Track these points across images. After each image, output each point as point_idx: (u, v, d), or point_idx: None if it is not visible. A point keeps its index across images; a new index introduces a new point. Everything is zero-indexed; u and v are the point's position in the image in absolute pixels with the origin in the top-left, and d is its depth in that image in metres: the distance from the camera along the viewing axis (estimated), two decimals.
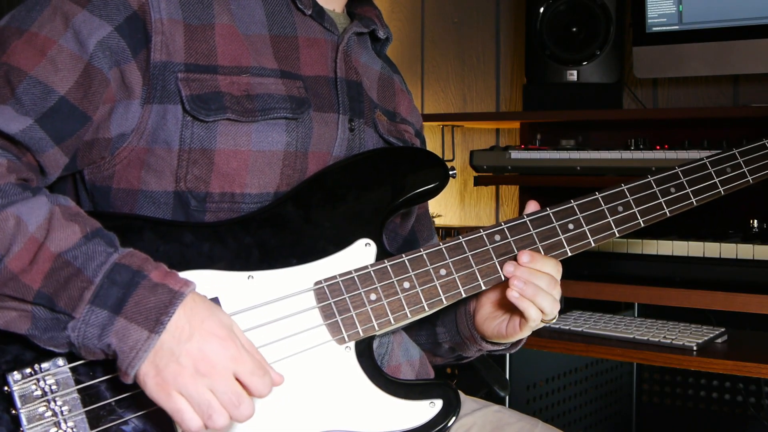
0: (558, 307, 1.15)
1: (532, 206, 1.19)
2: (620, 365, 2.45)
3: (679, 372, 2.42)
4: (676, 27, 2.22)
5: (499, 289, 1.20)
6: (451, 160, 2.66)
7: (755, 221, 2.04)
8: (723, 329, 1.94)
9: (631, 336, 1.89)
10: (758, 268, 1.80)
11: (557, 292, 1.15)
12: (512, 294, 1.12)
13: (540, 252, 1.16)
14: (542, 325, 1.17)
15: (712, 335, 1.88)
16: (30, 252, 0.93)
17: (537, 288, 1.12)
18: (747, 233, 2.02)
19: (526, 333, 1.18)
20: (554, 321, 1.17)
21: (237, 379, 0.95)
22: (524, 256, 1.14)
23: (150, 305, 0.93)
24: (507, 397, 1.93)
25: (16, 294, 0.93)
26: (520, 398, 2.07)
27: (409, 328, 1.34)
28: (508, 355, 2.02)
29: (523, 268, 1.13)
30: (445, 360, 1.36)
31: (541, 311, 1.13)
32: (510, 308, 1.18)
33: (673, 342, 1.84)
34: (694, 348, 1.81)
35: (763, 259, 1.80)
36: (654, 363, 1.87)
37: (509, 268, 1.14)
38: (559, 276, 1.16)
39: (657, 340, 1.86)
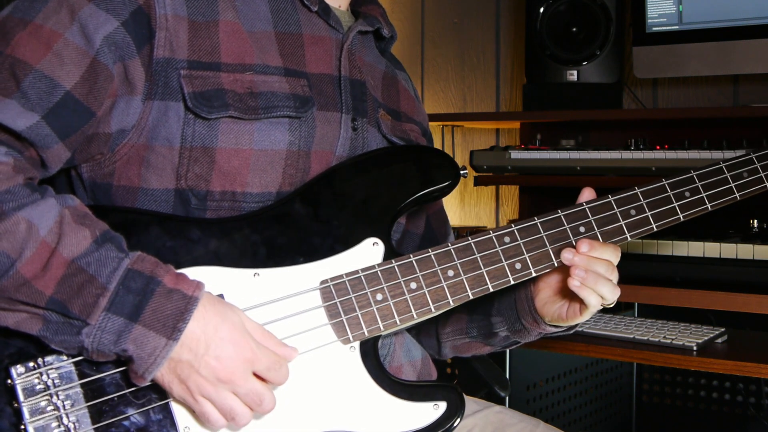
0: (618, 292, 1.14)
1: (587, 194, 1.19)
2: (620, 365, 2.45)
3: (679, 372, 2.42)
4: (676, 27, 2.22)
5: (557, 274, 1.19)
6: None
7: (755, 221, 2.04)
8: (723, 329, 1.94)
9: (631, 336, 1.89)
10: (758, 268, 1.80)
11: (615, 277, 1.15)
12: (573, 283, 1.12)
13: (551, 256, 1.15)
14: (600, 308, 1.17)
15: (712, 335, 1.88)
16: (42, 257, 0.93)
17: (597, 276, 1.12)
18: (747, 233, 2.02)
19: (586, 317, 1.18)
20: (613, 305, 1.17)
21: (256, 376, 1.00)
22: (584, 246, 1.13)
23: (167, 312, 0.95)
24: (507, 398, 1.93)
25: (28, 299, 0.93)
26: (520, 398, 2.07)
27: (456, 322, 1.33)
28: (508, 355, 2.02)
29: (581, 256, 1.13)
30: (495, 348, 1.34)
31: (602, 297, 1.13)
32: (568, 293, 1.17)
33: (673, 342, 1.84)
34: (694, 348, 1.81)
35: (763, 259, 1.81)
36: (654, 363, 1.87)
37: (567, 255, 1.13)
38: (617, 261, 1.15)
39: (657, 340, 1.86)
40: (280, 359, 1.01)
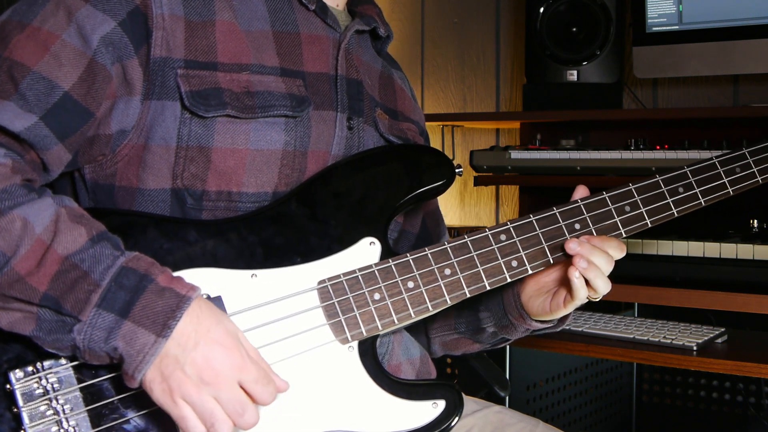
0: (610, 287, 1.15)
1: (581, 191, 1.20)
2: (620, 365, 2.45)
3: (679, 372, 2.42)
4: (676, 27, 2.22)
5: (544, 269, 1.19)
6: (451, 160, 2.66)
7: (755, 221, 2.04)
8: (723, 329, 1.94)
9: (631, 336, 1.89)
10: (758, 268, 1.80)
11: (610, 271, 1.15)
12: (574, 274, 1.12)
13: (547, 253, 1.16)
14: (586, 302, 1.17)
15: (712, 335, 1.88)
16: (37, 254, 0.93)
17: (597, 268, 1.13)
18: (747, 233, 2.01)
19: (569, 310, 1.18)
20: (598, 300, 1.18)
21: (242, 387, 0.96)
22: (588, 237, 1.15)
23: (157, 309, 0.94)
24: (507, 398, 1.93)
25: (22, 296, 0.93)
26: (520, 398, 2.07)
27: (446, 318, 1.33)
28: (508, 355, 2.02)
29: (585, 245, 1.13)
30: (484, 345, 1.34)
31: (595, 291, 1.14)
32: (553, 287, 1.19)
33: (673, 342, 1.84)
34: (694, 348, 1.81)
35: (763, 259, 1.80)
36: (654, 363, 1.87)
37: (572, 245, 1.14)
38: (620, 256, 1.16)
39: (657, 340, 1.86)
40: (269, 376, 0.98)
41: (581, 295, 1.14)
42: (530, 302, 1.22)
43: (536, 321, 1.24)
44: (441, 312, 1.32)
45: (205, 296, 1.03)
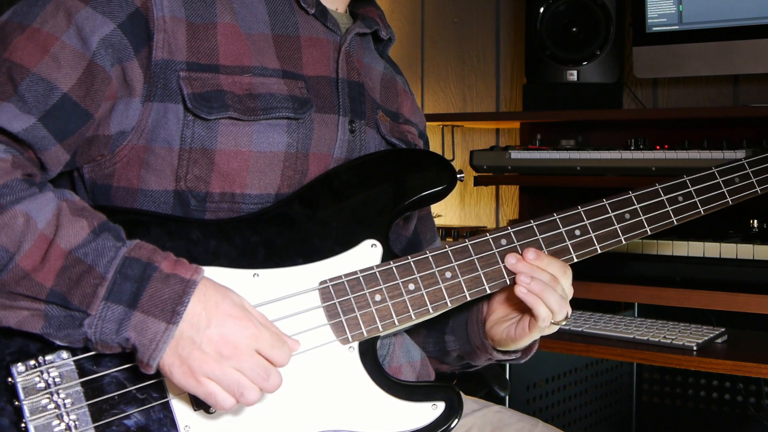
0: (566, 306, 1.14)
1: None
2: (620, 365, 2.45)
3: (679, 372, 2.42)
4: (676, 27, 2.23)
5: (507, 292, 1.19)
6: (452, 160, 2.66)
7: (755, 221, 2.04)
8: (723, 329, 1.94)
9: (631, 336, 1.89)
10: (758, 268, 1.80)
11: (563, 289, 1.14)
12: (519, 290, 1.12)
13: None
14: (554, 328, 1.16)
15: (712, 335, 1.89)
16: (41, 249, 0.94)
17: (544, 284, 1.12)
18: (747, 233, 2.02)
19: (535, 335, 1.17)
20: (565, 323, 1.17)
21: (259, 354, 0.98)
22: (530, 254, 1.13)
23: (165, 297, 0.95)
24: (507, 397, 1.93)
25: (29, 292, 0.94)
26: (520, 398, 2.07)
27: (416, 335, 1.33)
28: None
29: (524, 263, 1.13)
30: (452, 368, 1.35)
31: (550, 309, 1.12)
32: (519, 311, 1.18)
33: (673, 342, 1.84)
34: (694, 348, 1.81)
35: (763, 259, 1.81)
36: (654, 363, 1.87)
37: (511, 260, 1.13)
38: (564, 277, 1.14)
39: (657, 340, 1.86)
40: (282, 338, 1.00)
41: (542, 313, 1.12)
42: (494, 329, 1.21)
43: (498, 352, 1.24)
44: (412, 330, 1.32)
45: None
